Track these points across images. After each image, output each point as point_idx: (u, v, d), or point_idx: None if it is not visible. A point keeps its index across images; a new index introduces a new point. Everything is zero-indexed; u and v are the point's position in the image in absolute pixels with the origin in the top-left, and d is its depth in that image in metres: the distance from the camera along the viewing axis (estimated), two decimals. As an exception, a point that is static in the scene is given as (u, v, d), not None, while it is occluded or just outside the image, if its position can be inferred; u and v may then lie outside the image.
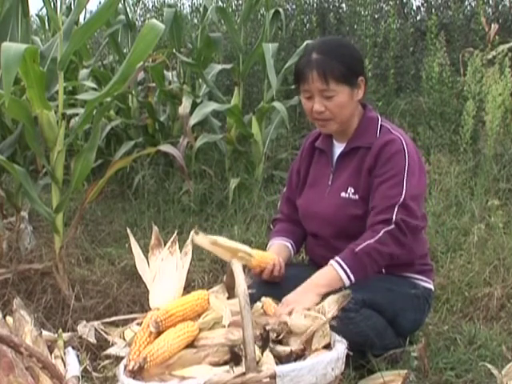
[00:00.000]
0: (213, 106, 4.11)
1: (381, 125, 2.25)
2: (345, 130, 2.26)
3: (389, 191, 2.11)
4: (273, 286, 2.19)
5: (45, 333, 2.21)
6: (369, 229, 2.10)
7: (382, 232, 2.06)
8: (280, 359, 1.79)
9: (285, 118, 4.14)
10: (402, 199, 2.08)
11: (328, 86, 2.14)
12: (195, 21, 6.82)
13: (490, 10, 5.86)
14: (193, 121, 3.91)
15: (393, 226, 2.06)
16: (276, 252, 2.28)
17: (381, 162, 2.15)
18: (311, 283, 2.05)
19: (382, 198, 2.11)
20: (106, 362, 2.22)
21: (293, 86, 4.98)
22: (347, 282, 2.04)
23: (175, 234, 2.23)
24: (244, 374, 1.59)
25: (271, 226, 2.54)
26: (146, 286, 2.19)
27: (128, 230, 2.32)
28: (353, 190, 2.21)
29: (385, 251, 2.07)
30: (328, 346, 1.82)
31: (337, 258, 2.07)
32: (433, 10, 5.93)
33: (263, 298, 1.96)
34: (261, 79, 4.98)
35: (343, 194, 2.22)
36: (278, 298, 2.00)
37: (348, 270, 2.04)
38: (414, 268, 2.26)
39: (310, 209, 2.31)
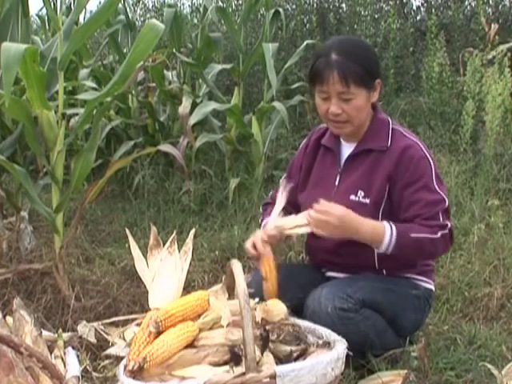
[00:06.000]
0: (213, 105, 4.11)
1: (392, 128, 2.22)
2: (356, 131, 2.22)
3: (430, 197, 2.10)
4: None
5: (45, 333, 2.21)
6: (424, 226, 2.09)
7: (440, 234, 2.07)
8: (280, 359, 1.79)
9: (285, 118, 4.14)
10: (446, 205, 2.11)
11: (348, 89, 2.10)
12: (195, 21, 6.81)
13: (489, 9, 5.86)
14: (193, 120, 3.91)
15: (447, 232, 2.09)
16: None
17: (406, 170, 2.13)
18: (356, 221, 2.04)
19: (426, 205, 2.10)
20: (106, 362, 2.23)
21: (293, 86, 5.01)
22: (381, 250, 2.06)
23: (174, 234, 2.23)
24: (244, 374, 1.60)
25: (261, 210, 2.48)
26: (146, 286, 2.19)
27: (127, 231, 2.32)
28: (363, 194, 2.17)
29: (430, 251, 2.10)
30: (328, 346, 1.82)
31: (393, 226, 2.05)
32: (433, 10, 5.93)
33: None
34: (261, 79, 4.98)
35: (353, 197, 2.18)
36: (279, 297, 1.99)
37: (392, 244, 2.04)
38: (416, 269, 2.25)
39: None
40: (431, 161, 2.16)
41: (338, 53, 2.12)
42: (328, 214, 2.01)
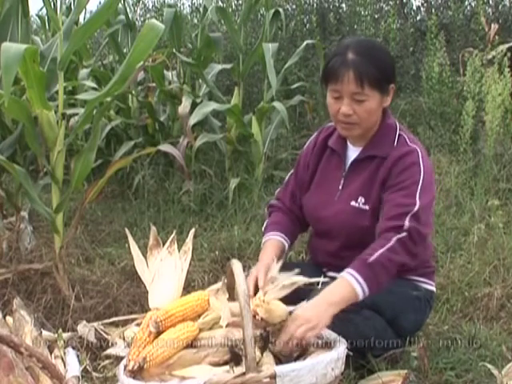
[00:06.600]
0: (213, 105, 4.10)
1: (399, 134, 2.20)
2: (363, 135, 2.20)
3: (402, 200, 2.04)
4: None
5: (45, 333, 2.21)
6: (379, 236, 2.02)
7: (394, 240, 1.96)
8: (280, 359, 1.79)
9: (285, 118, 4.14)
10: (415, 209, 2.01)
11: (362, 90, 2.06)
12: (195, 21, 6.82)
13: (489, 10, 5.86)
14: (193, 120, 3.91)
15: (404, 234, 1.97)
16: (269, 251, 2.20)
17: (395, 174, 2.10)
18: (324, 301, 1.88)
19: (394, 206, 2.04)
20: (106, 362, 2.23)
21: (293, 86, 5.01)
22: (361, 296, 1.92)
23: (174, 234, 2.23)
24: (244, 374, 1.60)
25: (266, 211, 2.45)
26: (146, 286, 2.19)
27: (127, 231, 2.31)
28: (363, 200, 2.16)
29: (396, 260, 1.96)
30: (328, 346, 1.82)
31: (350, 270, 1.93)
32: (433, 10, 5.93)
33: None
34: (261, 79, 4.98)
35: (353, 203, 2.17)
36: (280, 299, 1.98)
37: (363, 284, 1.90)
38: (416, 271, 2.23)
39: (318, 212, 2.25)
40: (423, 169, 2.09)
41: (355, 52, 2.08)
42: (301, 321, 1.83)
